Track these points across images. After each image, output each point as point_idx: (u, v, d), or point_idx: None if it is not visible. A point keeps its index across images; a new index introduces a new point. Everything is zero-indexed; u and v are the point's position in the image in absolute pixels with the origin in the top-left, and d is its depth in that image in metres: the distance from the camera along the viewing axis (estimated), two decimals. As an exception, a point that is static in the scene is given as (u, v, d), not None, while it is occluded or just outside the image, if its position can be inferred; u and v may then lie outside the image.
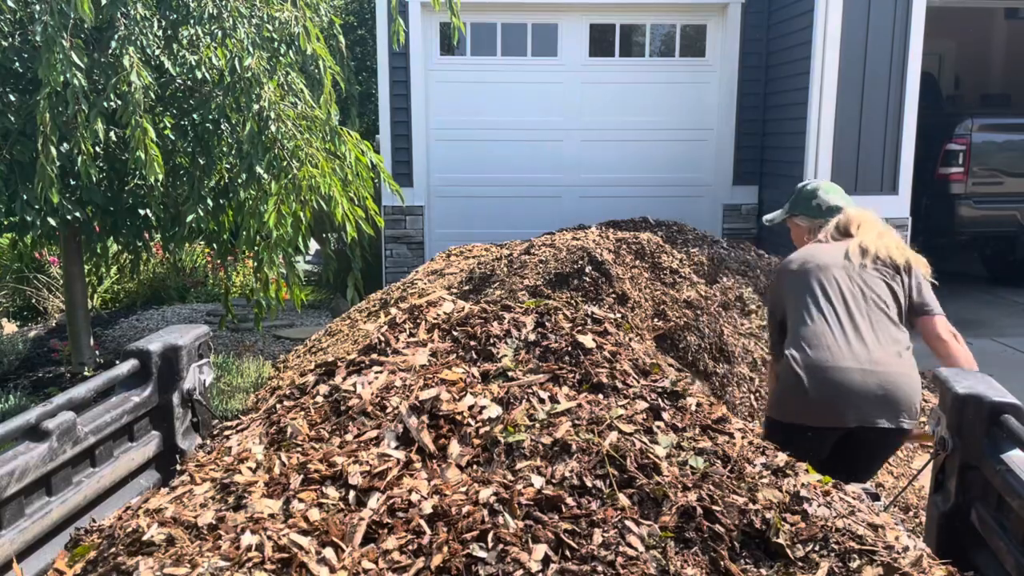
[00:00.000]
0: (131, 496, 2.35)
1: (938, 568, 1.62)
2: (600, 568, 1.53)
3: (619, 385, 2.11)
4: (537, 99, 8.36)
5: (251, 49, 4.70)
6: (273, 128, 4.71)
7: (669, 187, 8.46)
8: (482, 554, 1.56)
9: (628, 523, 1.63)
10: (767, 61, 8.19)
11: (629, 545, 1.58)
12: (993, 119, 8.14)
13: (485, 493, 1.70)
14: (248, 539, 1.61)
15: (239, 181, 5.11)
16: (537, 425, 1.92)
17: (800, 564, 1.58)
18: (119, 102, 4.38)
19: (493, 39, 8.31)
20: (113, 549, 1.70)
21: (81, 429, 2.18)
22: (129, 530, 1.72)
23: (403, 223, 8.31)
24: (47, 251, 7.71)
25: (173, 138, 5.13)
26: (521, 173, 8.45)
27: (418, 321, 2.49)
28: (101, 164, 5.11)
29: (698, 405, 2.07)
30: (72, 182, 4.95)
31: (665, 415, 1.99)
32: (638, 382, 2.14)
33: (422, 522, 1.65)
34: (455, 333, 2.39)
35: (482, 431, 1.93)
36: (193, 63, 4.80)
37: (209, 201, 5.21)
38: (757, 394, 4.14)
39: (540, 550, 1.55)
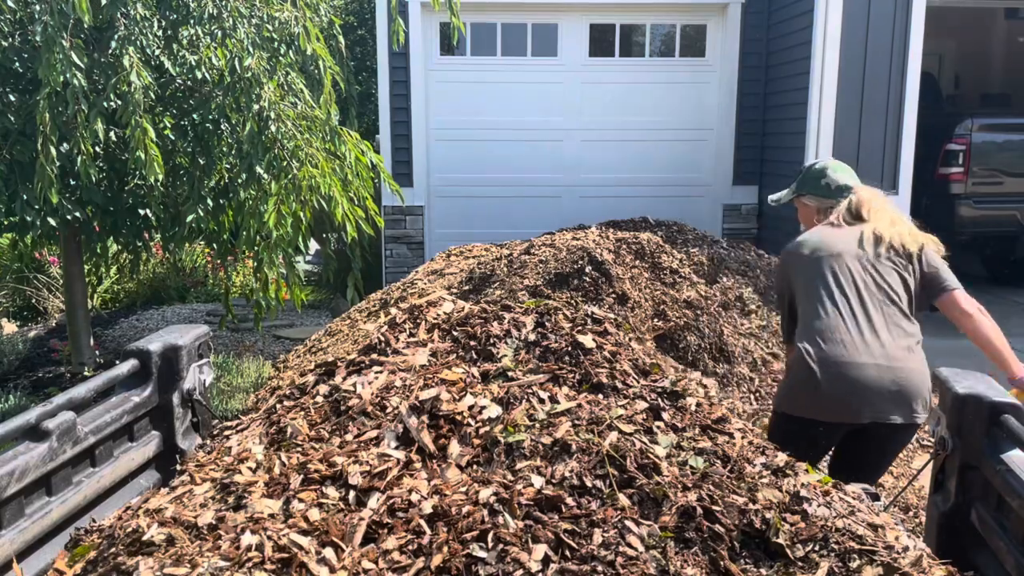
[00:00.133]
0: (131, 496, 2.35)
1: (938, 568, 1.62)
2: (600, 568, 1.53)
3: (619, 385, 2.11)
4: (537, 99, 8.36)
5: (251, 49, 4.70)
6: (273, 128, 4.71)
7: (669, 187, 8.46)
8: (482, 554, 1.56)
9: (628, 523, 1.63)
10: (767, 61, 8.19)
11: (629, 545, 1.58)
12: (993, 119, 8.14)
13: (485, 493, 1.70)
14: (248, 539, 1.61)
15: (239, 181, 5.11)
16: (537, 425, 1.92)
17: (800, 564, 1.58)
18: (119, 102, 4.39)
19: (493, 39, 8.31)
20: (113, 549, 1.70)
21: (81, 429, 2.18)
22: (129, 530, 1.72)
23: (403, 223, 8.31)
24: (47, 251, 7.71)
25: (173, 138, 5.13)
26: (521, 173, 8.45)
27: (418, 321, 2.49)
28: (101, 164, 5.11)
29: (698, 405, 2.07)
30: (72, 182, 4.95)
31: (665, 415, 1.99)
32: (638, 382, 2.14)
33: (422, 522, 1.65)
34: (455, 333, 2.39)
35: (482, 431, 1.93)
36: (193, 63, 4.80)
37: (209, 201, 5.20)
38: (757, 394, 4.14)
39: (540, 550, 1.55)
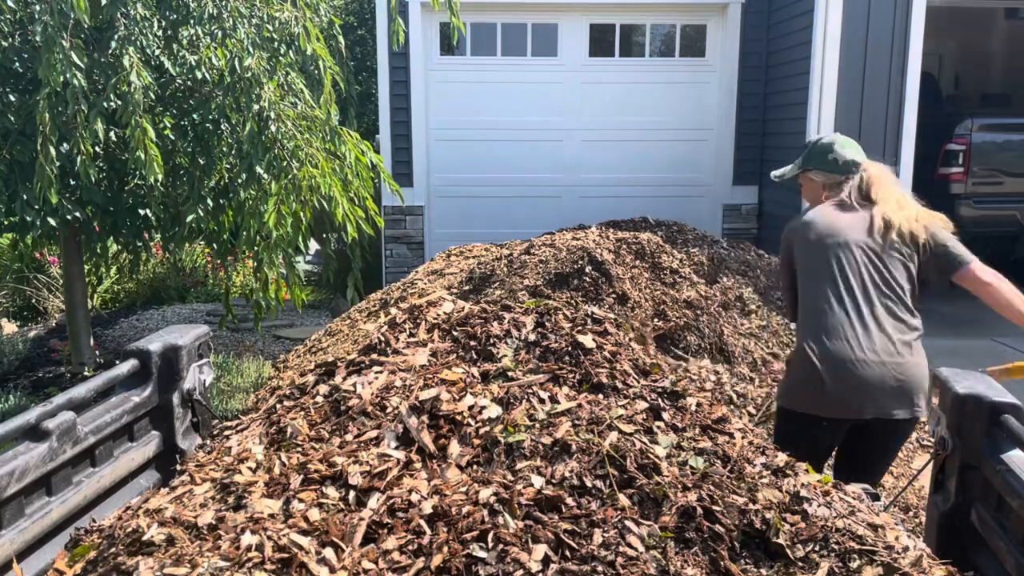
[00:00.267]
0: (131, 496, 2.35)
1: (938, 568, 1.62)
2: (600, 568, 1.53)
3: (619, 385, 2.11)
4: (537, 99, 8.36)
5: (251, 49, 4.70)
6: (273, 128, 4.71)
7: (669, 187, 8.46)
8: (482, 554, 1.56)
9: (628, 523, 1.62)
10: (767, 61, 8.19)
11: (629, 545, 1.58)
12: (993, 119, 8.14)
13: (485, 493, 1.70)
14: (248, 539, 1.61)
15: (239, 181, 5.11)
16: (537, 425, 1.92)
17: (800, 564, 1.58)
18: (119, 102, 4.39)
19: (493, 39, 8.32)
20: (113, 549, 1.70)
21: (81, 429, 2.18)
22: (129, 530, 1.72)
23: (403, 223, 8.31)
24: (47, 251, 7.71)
25: (173, 138, 5.13)
26: (521, 173, 8.45)
27: (418, 321, 2.49)
28: (101, 164, 5.11)
29: (698, 405, 2.07)
30: (72, 182, 4.95)
31: (665, 415, 1.99)
32: (638, 382, 2.14)
33: (422, 522, 1.65)
34: (455, 333, 2.39)
35: (482, 431, 1.93)
36: (193, 63, 4.80)
37: (209, 201, 5.21)
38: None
39: (540, 550, 1.55)
